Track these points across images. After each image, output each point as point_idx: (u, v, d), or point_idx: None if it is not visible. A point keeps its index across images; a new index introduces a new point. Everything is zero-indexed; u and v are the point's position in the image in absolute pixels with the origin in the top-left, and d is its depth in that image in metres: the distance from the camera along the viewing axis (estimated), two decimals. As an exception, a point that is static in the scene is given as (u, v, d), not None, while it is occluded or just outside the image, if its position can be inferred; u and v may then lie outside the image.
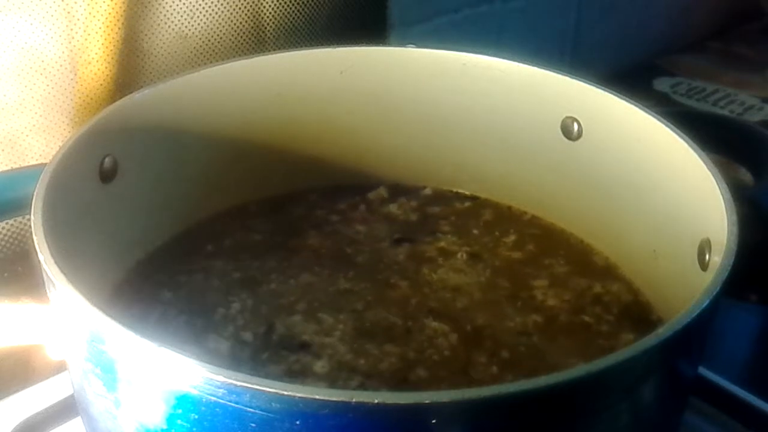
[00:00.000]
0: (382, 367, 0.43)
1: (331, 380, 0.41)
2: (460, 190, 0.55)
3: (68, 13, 0.55)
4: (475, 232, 0.52)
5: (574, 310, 0.47)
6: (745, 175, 0.61)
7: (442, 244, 0.51)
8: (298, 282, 0.47)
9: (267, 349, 0.43)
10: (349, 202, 0.54)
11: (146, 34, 0.59)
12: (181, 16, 0.60)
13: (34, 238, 0.36)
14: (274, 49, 0.64)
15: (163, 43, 0.60)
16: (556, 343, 0.45)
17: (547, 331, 0.46)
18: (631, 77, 0.97)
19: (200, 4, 0.61)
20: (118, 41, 0.56)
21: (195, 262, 0.48)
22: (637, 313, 0.47)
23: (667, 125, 0.45)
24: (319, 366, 0.42)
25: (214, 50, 0.63)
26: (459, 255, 0.50)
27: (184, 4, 0.60)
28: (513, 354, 0.44)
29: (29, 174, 0.41)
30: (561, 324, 0.46)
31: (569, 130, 0.50)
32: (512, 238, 0.52)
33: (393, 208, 0.54)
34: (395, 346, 0.44)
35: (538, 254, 0.51)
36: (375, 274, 0.49)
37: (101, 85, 0.56)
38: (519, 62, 0.51)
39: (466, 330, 0.45)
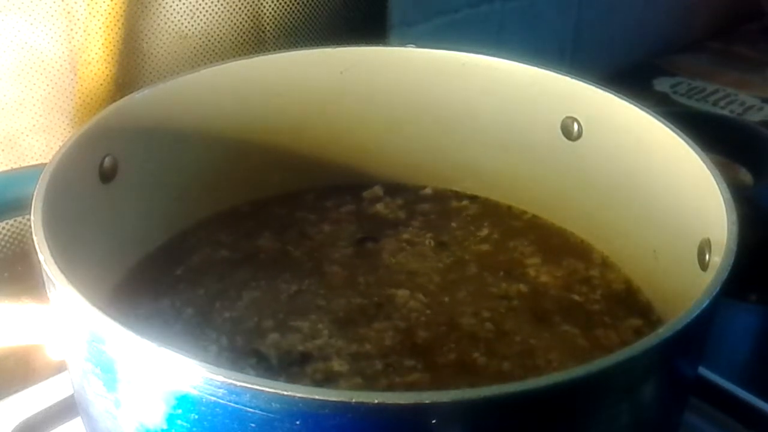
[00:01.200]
0: (388, 343, 0.43)
1: (360, 373, 0.42)
2: (460, 190, 0.55)
3: (68, 13, 0.55)
4: (453, 225, 0.53)
5: (564, 287, 0.48)
6: (745, 175, 0.61)
7: (406, 236, 0.51)
8: (245, 301, 0.46)
9: (277, 373, 0.42)
10: (336, 202, 0.54)
11: (146, 34, 0.59)
12: (181, 16, 0.60)
13: (34, 238, 0.36)
14: (274, 49, 0.64)
15: (163, 43, 0.60)
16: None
17: (529, 301, 0.47)
18: (631, 77, 0.97)
19: (200, 4, 0.61)
20: (118, 41, 0.56)
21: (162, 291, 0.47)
22: (636, 306, 0.47)
23: (667, 125, 0.45)
24: (338, 365, 0.42)
25: (214, 50, 0.63)
26: (426, 242, 0.51)
27: (184, 4, 0.60)
28: (495, 314, 0.46)
29: (29, 174, 0.41)
30: (551, 298, 0.47)
31: (569, 130, 0.50)
32: (507, 235, 0.52)
33: (380, 207, 0.54)
34: (382, 322, 0.44)
35: (536, 252, 0.51)
36: (311, 269, 0.48)
37: (101, 85, 0.56)
38: (519, 62, 0.51)
39: (437, 297, 0.47)
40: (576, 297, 0.47)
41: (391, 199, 0.54)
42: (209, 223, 0.52)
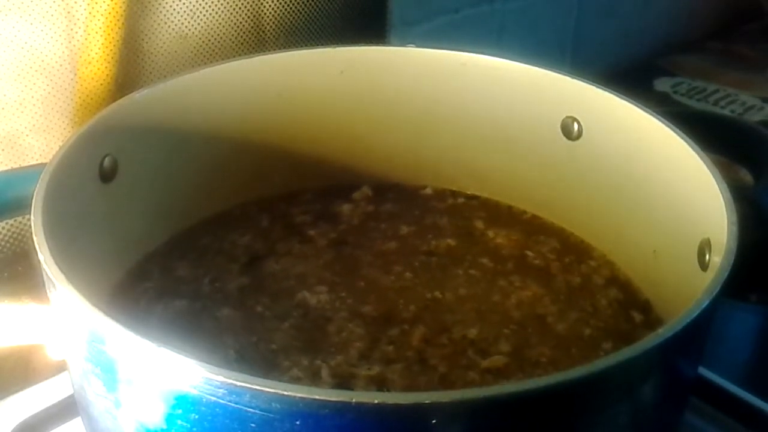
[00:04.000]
0: (362, 331, 0.44)
1: (387, 361, 0.42)
2: (460, 190, 0.55)
3: (68, 13, 0.55)
4: (383, 227, 0.53)
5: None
6: (745, 175, 0.61)
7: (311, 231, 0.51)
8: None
9: None
10: (305, 207, 0.54)
11: (146, 34, 0.59)
12: (181, 16, 0.60)
13: (34, 238, 0.36)
14: (274, 49, 0.64)
15: (163, 43, 0.60)
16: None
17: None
18: (632, 77, 0.97)
19: (200, 4, 0.61)
20: (118, 41, 0.56)
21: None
22: (635, 305, 0.47)
23: (667, 125, 0.45)
24: (367, 371, 0.42)
25: (214, 50, 0.63)
26: (321, 243, 0.51)
27: (184, 4, 0.60)
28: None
29: (29, 174, 0.41)
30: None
31: (569, 130, 0.50)
32: (503, 234, 0.52)
33: (346, 208, 0.53)
34: (329, 324, 0.45)
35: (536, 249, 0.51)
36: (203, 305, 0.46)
37: (101, 85, 0.56)
38: (519, 62, 0.51)
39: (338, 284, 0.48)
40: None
41: (366, 202, 0.54)
42: (209, 223, 0.52)
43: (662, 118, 0.45)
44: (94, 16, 0.55)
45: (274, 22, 0.65)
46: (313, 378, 0.41)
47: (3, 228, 0.56)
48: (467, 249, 0.51)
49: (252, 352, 0.43)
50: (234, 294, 0.47)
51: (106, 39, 0.56)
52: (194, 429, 0.31)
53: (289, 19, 0.66)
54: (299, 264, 0.49)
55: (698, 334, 0.36)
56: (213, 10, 0.62)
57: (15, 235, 0.56)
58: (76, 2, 0.55)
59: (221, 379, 0.29)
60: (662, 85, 1.04)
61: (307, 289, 0.47)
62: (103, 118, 0.45)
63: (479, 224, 0.53)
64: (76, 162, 0.42)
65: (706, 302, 0.34)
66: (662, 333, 0.32)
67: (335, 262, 0.49)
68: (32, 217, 0.37)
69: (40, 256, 0.35)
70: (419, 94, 0.53)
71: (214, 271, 0.48)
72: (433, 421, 0.29)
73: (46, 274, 0.35)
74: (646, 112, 0.46)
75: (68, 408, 0.48)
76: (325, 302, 0.46)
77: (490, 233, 0.52)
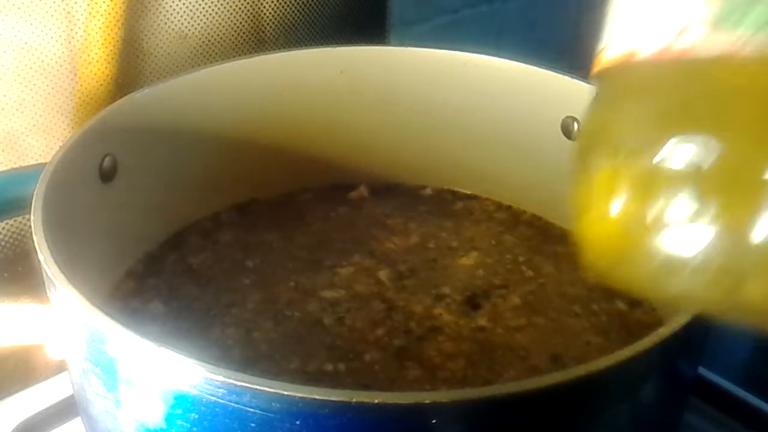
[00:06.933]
0: (350, 333, 0.44)
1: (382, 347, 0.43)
2: (460, 190, 0.55)
3: (68, 13, 0.55)
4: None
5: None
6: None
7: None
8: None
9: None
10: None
11: (146, 34, 0.59)
12: (181, 16, 0.60)
13: (34, 238, 0.36)
14: (274, 49, 0.64)
15: (163, 43, 0.60)
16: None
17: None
18: (631, 77, 0.97)
19: (200, 4, 0.61)
20: (118, 41, 0.56)
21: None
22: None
23: (667, 125, 0.45)
24: (369, 357, 0.43)
25: (214, 50, 0.63)
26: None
27: (184, 4, 0.60)
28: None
29: (29, 174, 0.41)
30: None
31: (569, 130, 0.50)
32: (502, 234, 0.52)
33: (345, 208, 0.53)
34: (318, 321, 0.45)
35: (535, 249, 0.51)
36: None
37: (101, 85, 0.56)
38: (519, 62, 0.51)
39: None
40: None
41: (364, 201, 0.54)
42: (208, 222, 0.52)
43: (662, 118, 0.45)
44: (94, 16, 0.55)
45: (273, 22, 0.65)
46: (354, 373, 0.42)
47: (3, 228, 0.56)
48: (467, 249, 0.51)
49: (253, 351, 0.43)
50: (234, 293, 0.47)
51: (106, 39, 0.56)
52: (194, 429, 0.31)
53: (289, 19, 0.66)
54: (300, 263, 0.49)
55: (698, 334, 0.36)
56: (213, 10, 0.62)
57: (15, 235, 0.56)
58: (76, 2, 0.55)
59: (221, 379, 0.29)
60: (662, 85, 1.04)
61: (307, 287, 0.47)
62: (103, 118, 0.45)
63: (479, 224, 0.53)
64: (76, 162, 0.42)
65: (706, 302, 0.34)
66: (662, 333, 0.32)
67: (334, 262, 0.49)
68: (32, 217, 0.37)
69: (40, 256, 0.35)
70: (419, 94, 0.53)
71: (214, 271, 0.48)
72: (433, 421, 0.29)
73: (46, 274, 0.35)
74: (646, 112, 0.46)
75: (68, 408, 0.48)
76: (326, 301, 0.46)
77: (490, 233, 0.52)
